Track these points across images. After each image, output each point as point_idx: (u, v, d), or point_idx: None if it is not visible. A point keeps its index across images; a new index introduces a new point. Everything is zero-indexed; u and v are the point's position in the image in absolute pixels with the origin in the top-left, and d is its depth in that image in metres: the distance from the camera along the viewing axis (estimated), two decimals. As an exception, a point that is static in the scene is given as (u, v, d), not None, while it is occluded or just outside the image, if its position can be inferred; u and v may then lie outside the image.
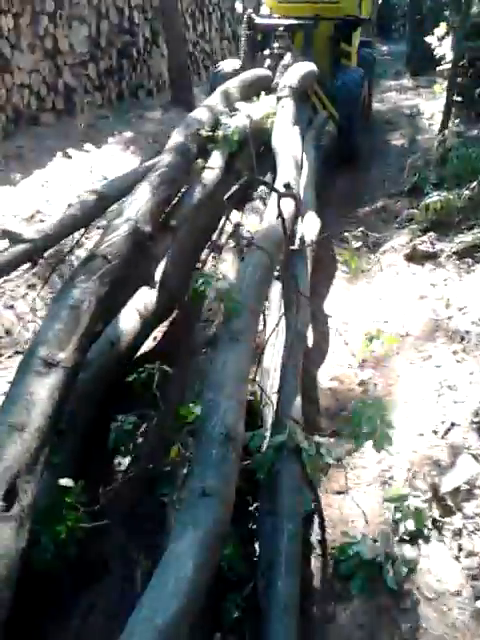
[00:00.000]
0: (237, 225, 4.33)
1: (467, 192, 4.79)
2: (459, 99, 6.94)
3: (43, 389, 2.02)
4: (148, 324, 3.35)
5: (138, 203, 3.15)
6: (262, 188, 4.79)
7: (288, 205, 3.16)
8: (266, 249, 2.66)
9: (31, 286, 4.17)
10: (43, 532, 2.04)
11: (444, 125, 6.35)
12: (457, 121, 6.59)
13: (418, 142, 7.82)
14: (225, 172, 4.30)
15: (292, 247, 3.31)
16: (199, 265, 4.03)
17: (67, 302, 2.37)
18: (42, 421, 1.95)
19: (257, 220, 4.41)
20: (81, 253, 4.12)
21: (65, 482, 2.11)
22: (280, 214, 2.93)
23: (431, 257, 4.46)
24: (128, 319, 3.19)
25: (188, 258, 3.79)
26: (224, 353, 2.28)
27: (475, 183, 4.87)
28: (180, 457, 2.41)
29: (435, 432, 2.87)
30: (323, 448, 2.45)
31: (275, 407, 2.72)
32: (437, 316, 3.70)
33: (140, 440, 2.83)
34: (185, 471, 2.43)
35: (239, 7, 11.57)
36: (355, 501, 2.59)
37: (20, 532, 1.72)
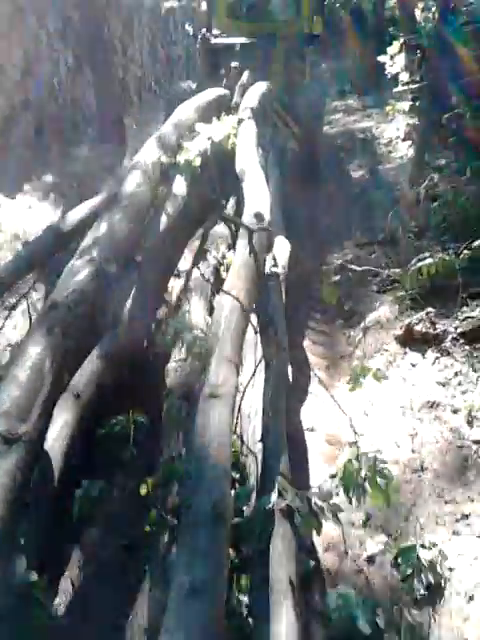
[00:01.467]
0: (205, 252, 4.15)
1: (466, 252, 3.83)
2: (416, 123, 6.41)
3: (1, 471, 1.77)
4: (115, 369, 3.10)
5: (101, 240, 2.92)
6: (228, 209, 4.63)
7: (260, 238, 2.98)
8: (240, 297, 2.47)
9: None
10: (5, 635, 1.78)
11: (419, 160, 5.45)
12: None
13: (379, 173, 6.86)
14: (188, 198, 4.11)
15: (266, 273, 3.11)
16: (166, 299, 3.79)
17: (26, 362, 2.12)
18: (2, 510, 1.70)
19: (224, 246, 4.24)
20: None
21: (29, 575, 1.85)
22: (253, 250, 2.75)
23: (433, 341, 3.46)
24: (93, 366, 2.93)
25: (154, 294, 3.56)
26: (204, 412, 2.06)
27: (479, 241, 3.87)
28: (159, 526, 2.18)
29: None
30: (315, 505, 2.26)
31: (260, 457, 2.52)
32: (460, 438, 2.81)
33: (110, 507, 2.54)
34: (165, 539, 2.22)
35: (189, 29, 11.28)
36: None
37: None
